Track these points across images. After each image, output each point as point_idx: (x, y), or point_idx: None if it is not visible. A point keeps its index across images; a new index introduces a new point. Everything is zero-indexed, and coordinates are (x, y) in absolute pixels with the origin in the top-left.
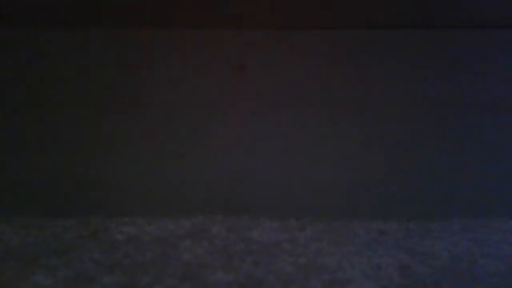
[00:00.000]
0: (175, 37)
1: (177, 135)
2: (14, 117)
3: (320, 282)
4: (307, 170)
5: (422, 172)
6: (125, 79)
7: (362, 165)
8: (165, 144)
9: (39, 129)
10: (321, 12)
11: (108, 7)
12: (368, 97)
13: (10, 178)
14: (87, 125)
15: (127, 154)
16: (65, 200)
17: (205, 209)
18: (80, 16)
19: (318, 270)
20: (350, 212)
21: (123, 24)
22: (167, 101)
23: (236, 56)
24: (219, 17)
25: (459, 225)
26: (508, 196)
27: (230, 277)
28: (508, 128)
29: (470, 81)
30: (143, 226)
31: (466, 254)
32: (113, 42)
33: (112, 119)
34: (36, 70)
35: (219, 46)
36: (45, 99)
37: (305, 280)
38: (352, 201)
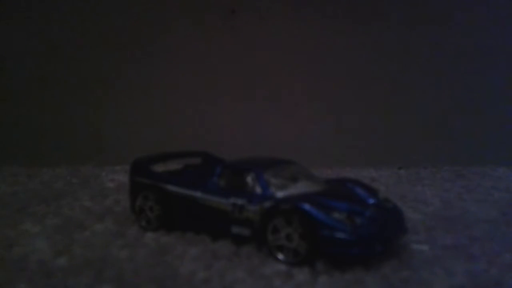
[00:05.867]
0: None
1: (168, 85)
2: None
3: None
4: (300, 121)
5: (413, 121)
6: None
7: (353, 115)
8: (156, 94)
9: (27, 79)
10: None
11: None
12: (361, 52)
13: None
14: (79, 74)
15: (119, 103)
16: (55, 149)
17: None
18: None
19: None
20: (342, 160)
21: None
22: (160, 49)
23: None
24: None
25: (451, 172)
26: (499, 143)
27: None
28: (500, 78)
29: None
30: None
31: (458, 200)
32: None
33: (105, 63)
34: None
35: None
36: None
37: None
38: (345, 150)
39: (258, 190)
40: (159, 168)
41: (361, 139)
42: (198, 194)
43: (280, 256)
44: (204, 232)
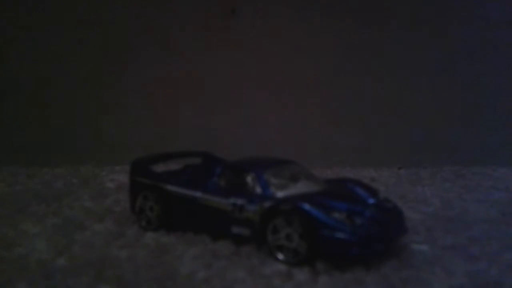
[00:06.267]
0: None
1: (168, 85)
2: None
3: None
4: (300, 121)
5: (413, 120)
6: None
7: (353, 115)
8: (156, 94)
9: (27, 79)
10: None
11: None
12: (361, 53)
13: None
14: (78, 74)
15: (119, 103)
16: (55, 149)
17: None
18: None
19: None
20: (342, 160)
21: None
22: (160, 49)
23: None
24: None
25: (450, 172)
26: (499, 143)
27: None
28: (500, 78)
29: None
30: None
31: (458, 200)
32: None
33: (105, 63)
34: None
35: None
36: None
37: None
38: (345, 150)
39: (258, 190)
40: (159, 168)
41: (361, 139)
42: (198, 194)
43: (280, 256)
44: (204, 232)
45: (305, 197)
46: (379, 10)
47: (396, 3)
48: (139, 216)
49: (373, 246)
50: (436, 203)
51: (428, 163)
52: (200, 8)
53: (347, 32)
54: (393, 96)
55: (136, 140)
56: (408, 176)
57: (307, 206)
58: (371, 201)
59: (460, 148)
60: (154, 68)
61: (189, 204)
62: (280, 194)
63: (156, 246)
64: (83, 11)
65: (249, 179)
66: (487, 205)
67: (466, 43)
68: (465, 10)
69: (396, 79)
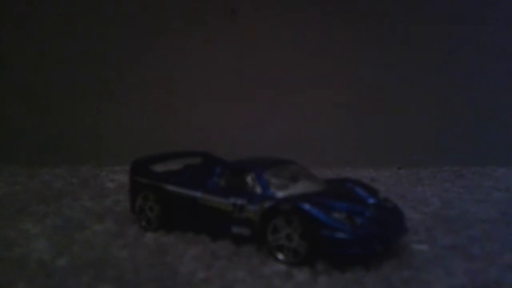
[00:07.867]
0: None
1: (168, 85)
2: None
3: None
4: (301, 121)
5: (413, 121)
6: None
7: (353, 115)
8: (156, 94)
9: (27, 79)
10: None
11: None
12: (361, 52)
13: None
14: (78, 74)
15: (119, 103)
16: (55, 149)
17: None
18: None
19: None
20: (342, 160)
21: None
22: (160, 49)
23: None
24: None
25: (450, 172)
26: (499, 143)
27: None
28: (500, 78)
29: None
30: None
31: (458, 200)
32: None
33: (105, 63)
34: None
35: None
36: None
37: None
38: (345, 150)
39: (258, 190)
40: (159, 168)
41: (361, 139)
42: (198, 194)
43: (280, 256)
44: (204, 232)
45: (305, 197)
46: (379, 10)
47: (397, 3)
48: (139, 216)
49: (373, 246)
50: (436, 203)
51: (428, 163)
52: (200, 8)
53: (347, 31)
54: (393, 96)
55: (136, 140)
56: (408, 176)
57: (307, 206)
58: (371, 201)
59: (460, 148)
60: (154, 68)
61: (189, 204)
62: (280, 194)
63: (156, 246)
64: (83, 11)
65: (249, 179)
66: (487, 205)
67: (467, 43)
68: (467, 10)
69: (396, 78)
